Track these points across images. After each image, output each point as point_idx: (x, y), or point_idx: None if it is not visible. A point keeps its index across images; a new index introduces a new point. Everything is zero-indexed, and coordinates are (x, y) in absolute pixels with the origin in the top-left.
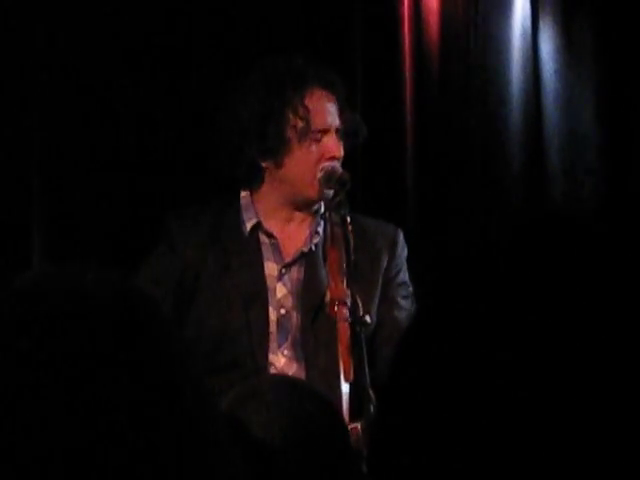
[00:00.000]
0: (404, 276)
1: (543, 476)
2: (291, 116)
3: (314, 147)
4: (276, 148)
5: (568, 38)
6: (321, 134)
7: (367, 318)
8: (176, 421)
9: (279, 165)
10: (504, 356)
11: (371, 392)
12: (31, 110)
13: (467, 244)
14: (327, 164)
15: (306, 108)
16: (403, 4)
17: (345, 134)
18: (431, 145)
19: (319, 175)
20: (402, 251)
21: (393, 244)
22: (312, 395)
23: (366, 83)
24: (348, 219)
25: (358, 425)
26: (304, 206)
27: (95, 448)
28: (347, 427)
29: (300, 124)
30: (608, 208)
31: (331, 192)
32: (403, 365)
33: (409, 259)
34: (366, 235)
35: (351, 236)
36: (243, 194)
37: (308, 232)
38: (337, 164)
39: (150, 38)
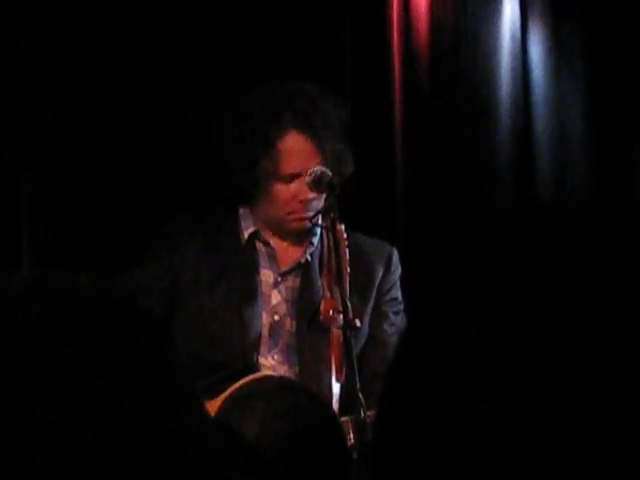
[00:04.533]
0: (396, 293)
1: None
2: (263, 158)
3: (284, 188)
4: (249, 187)
5: (557, 41)
6: (291, 177)
7: (357, 322)
8: (162, 427)
9: (257, 197)
10: (500, 360)
11: (360, 395)
12: (23, 110)
13: (457, 249)
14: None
15: (278, 151)
16: (392, 9)
17: (330, 170)
18: (421, 149)
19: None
20: (396, 269)
21: (388, 261)
22: (306, 396)
23: (355, 89)
24: (338, 224)
25: (348, 418)
26: (287, 233)
27: (81, 453)
28: (340, 425)
29: (269, 166)
30: (598, 209)
31: (313, 213)
32: (400, 372)
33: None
34: (362, 252)
35: (340, 240)
36: (241, 210)
37: (304, 243)
38: (325, 169)
39: (156, 49)
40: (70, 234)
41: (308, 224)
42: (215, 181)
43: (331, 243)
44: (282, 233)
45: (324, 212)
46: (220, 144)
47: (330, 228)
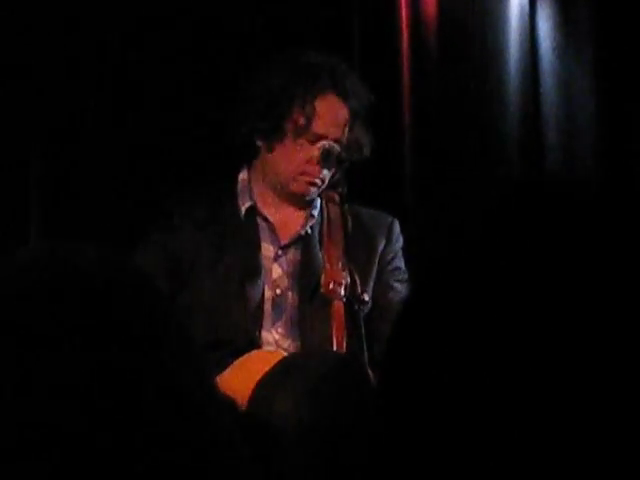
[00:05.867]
0: (399, 262)
1: (536, 461)
2: (296, 110)
3: (307, 147)
4: (271, 133)
5: (565, 16)
6: (317, 138)
7: (365, 296)
8: (167, 395)
9: (270, 149)
10: (502, 332)
11: (370, 371)
12: (31, 90)
13: (463, 222)
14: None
15: (314, 108)
16: None
17: (346, 147)
18: (429, 124)
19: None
20: (397, 238)
21: (389, 231)
22: (347, 373)
23: (363, 62)
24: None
25: None
26: (288, 197)
27: (83, 424)
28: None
29: (302, 121)
30: (606, 184)
31: (321, 182)
32: (400, 344)
33: (408, 248)
34: (362, 223)
35: (348, 214)
36: (241, 176)
37: (304, 216)
38: (335, 144)
39: (161, 23)
40: (77, 210)
41: (312, 192)
42: (231, 130)
43: (338, 217)
44: (282, 200)
45: (332, 186)
46: (248, 90)
47: (338, 203)
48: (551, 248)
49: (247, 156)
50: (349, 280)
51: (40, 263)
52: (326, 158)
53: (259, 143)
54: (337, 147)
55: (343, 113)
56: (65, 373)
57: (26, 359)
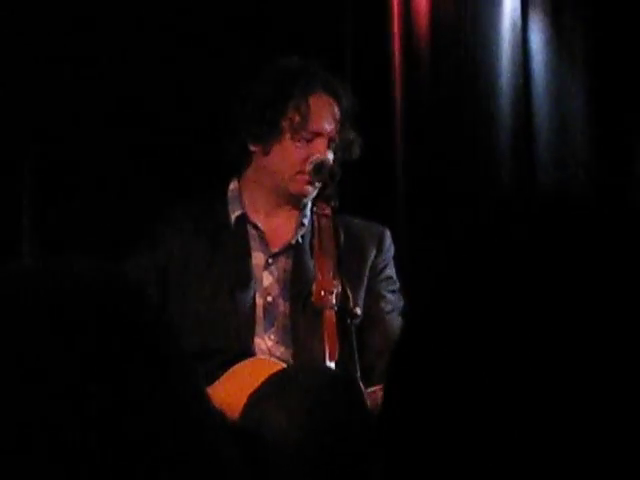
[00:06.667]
0: (390, 272)
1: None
2: (291, 109)
3: (304, 145)
4: (268, 134)
5: (557, 30)
6: (313, 135)
7: (357, 310)
8: (162, 407)
9: (267, 152)
10: (504, 351)
11: (361, 384)
12: (26, 95)
13: (457, 238)
14: (317, 156)
15: (308, 107)
16: None
17: (339, 147)
18: (421, 138)
19: (309, 167)
20: (389, 248)
21: (380, 241)
22: (342, 391)
23: (356, 78)
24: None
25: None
26: (286, 199)
27: (80, 434)
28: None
29: (297, 119)
30: (598, 195)
31: (317, 185)
32: (401, 368)
33: (399, 258)
34: (353, 233)
35: (340, 225)
36: (232, 186)
37: (294, 224)
38: (327, 157)
39: (153, 31)
40: (70, 221)
41: (310, 191)
42: (225, 140)
43: (329, 229)
44: (274, 206)
45: (325, 200)
46: (240, 99)
47: (330, 216)
48: (550, 266)
49: (238, 167)
50: (340, 289)
51: (36, 274)
52: (318, 172)
53: (253, 148)
54: (329, 161)
55: (335, 110)
56: (62, 381)
57: (27, 368)
